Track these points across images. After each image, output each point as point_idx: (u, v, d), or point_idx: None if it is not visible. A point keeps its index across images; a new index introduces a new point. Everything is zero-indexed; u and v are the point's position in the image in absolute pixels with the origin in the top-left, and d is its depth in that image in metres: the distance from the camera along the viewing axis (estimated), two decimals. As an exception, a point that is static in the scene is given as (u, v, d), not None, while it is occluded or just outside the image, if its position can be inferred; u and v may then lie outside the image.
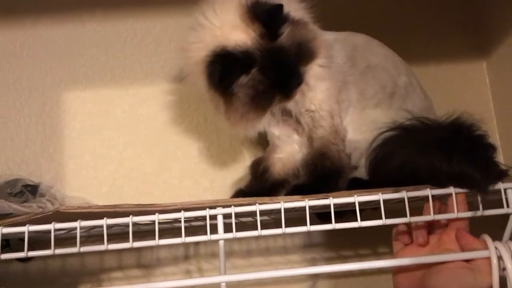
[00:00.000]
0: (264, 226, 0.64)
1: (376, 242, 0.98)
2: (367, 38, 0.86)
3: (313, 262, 0.98)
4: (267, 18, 0.74)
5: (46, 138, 1.00)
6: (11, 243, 0.84)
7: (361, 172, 0.77)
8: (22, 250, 0.61)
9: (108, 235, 0.62)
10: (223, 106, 0.77)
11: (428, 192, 0.65)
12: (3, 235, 0.60)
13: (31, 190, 0.86)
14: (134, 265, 0.97)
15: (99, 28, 1.05)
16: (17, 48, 1.03)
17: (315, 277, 0.97)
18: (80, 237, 0.62)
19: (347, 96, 0.80)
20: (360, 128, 0.79)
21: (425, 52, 1.06)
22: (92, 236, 0.91)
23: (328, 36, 0.82)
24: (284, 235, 0.96)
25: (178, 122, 1.02)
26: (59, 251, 0.61)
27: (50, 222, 0.62)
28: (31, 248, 0.63)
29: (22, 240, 0.64)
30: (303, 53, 0.76)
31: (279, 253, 0.98)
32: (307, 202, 0.63)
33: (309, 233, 0.98)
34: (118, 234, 0.74)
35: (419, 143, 0.69)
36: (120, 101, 1.02)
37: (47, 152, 0.99)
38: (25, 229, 0.60)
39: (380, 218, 0.63)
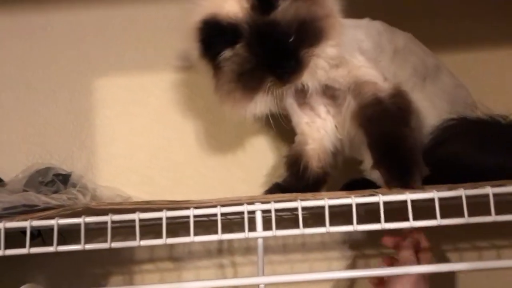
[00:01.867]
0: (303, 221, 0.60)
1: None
2: (385, 24, 0.81)
3: (353, 260, 0.93)
4: None
5: (77, 126, 0.98)
6: (43, 232, 0.82)
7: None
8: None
9: (140, 227, 0.59)
10: (213, 80, 0.72)
11: (488, 190, 0.58)
12: (32, 227, 0.57)
13: (62, 179, 0.84)
14: (166, 258, 0.94)
15: (131, 13, 1.01)
16: (50, 35, 1.01)
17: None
18: (112, 229, 0.59)
19: None
20: None
21: (455, 38, 0.98)
22: (124, 227, 0.88)
23: (348, 22, 0.74)
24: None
25: (212, 109, 0.98)
26: (90, 246, 0.57)
27: (80, 215, 0.59)
28: (62, 238, 0.61)
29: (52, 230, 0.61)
30: (306, 32, 0.66)
31: (317, 249, 0.94)
32: (353, 200, 0.58)
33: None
34: (151, 226, 0.71)
35: (480, 135, 0.63)
36: (153, 88, 0.99)
37: (78, 140, 0.97)
38: (54, 222, 0.57)
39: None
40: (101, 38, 1.00)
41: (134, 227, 0.59)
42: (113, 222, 0.58)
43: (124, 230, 0.81)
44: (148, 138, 0.97)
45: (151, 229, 0.70)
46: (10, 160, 0.96)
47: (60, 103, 0.99)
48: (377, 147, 0.67)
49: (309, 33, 0.66)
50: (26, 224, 0.58)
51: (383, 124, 0.67)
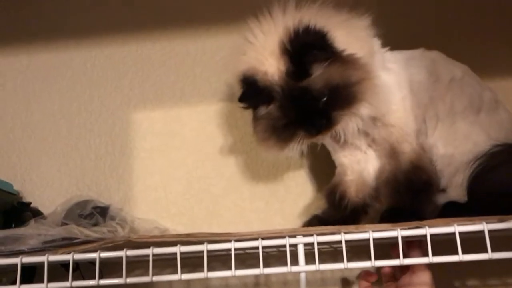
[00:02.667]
0: (340, 252, 0.58)
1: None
2: (441, 54, 0.80)
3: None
4: (296, 55, 0.67)
5: (115, 159, 0.99)
6: (80, 265, 0.83)
7: (455, 195, 0.69)
8: (92, 272, 0.58)
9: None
10: (251, 122, 0.76)
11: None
12: (74, 260, 0.58)
13: (101, 212, 0.84)
14: (201, 289, 0.92)
15: (168, 47, 1.03)
16: (88, 69, 1.04)
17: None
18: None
19: (434, 112, 0.74)
20: (452, 143, 0.72)
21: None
22: (161, 260, 0.88)
23: (401, 56, 0.76)
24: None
25: (247, 141, 0.98)
26: (132, 279, 0.57)
27: (121, 248, 0.59)
28: (100, 271, 0.61)
29: (92, 262, 0.61)
30: (338, 97, 0.68)
31: (356, 284, 0.91)
32: (399, 232, 0.56)
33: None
34: (187, 259, 0.70)
35: None
36: (189, 120, 1.00)
37: (116, 172, 0.98)
38: (96, 255, 0.57)
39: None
40: (139, 72, 1.03)
41: (170, 259, 0.58)
42: (154, 255, 0.57)
43: (160, 263, 0.80)
44: (185, 170, 0.97)
45: (187, 261, 0.69)
46: (49, 193, 0.98)
47: (98, 137, 1.00)
48: (389, 212, 0.70)
49: (341, 97, 0.68)
50: (68, 257, 0.58)
51: (400, 195, 0.70)
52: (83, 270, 0.79)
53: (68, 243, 0.65)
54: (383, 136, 0.74)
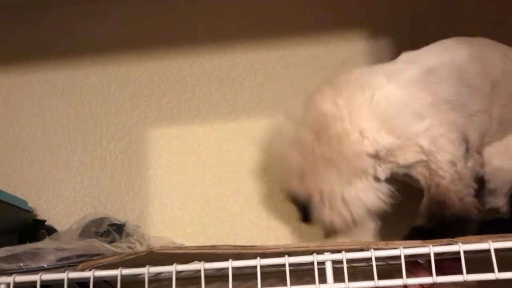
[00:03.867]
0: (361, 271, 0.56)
1: None
2: (464, 47, 0.70)
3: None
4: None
5: (131, 176, 0.98)
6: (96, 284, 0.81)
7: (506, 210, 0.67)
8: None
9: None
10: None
11: None
12: (95, 278, 0.56)
13: (117, 229, 0.83)
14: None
15: (184, 64, 1.03)
16: (104, 86, 1.04)
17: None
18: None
19: (477, 126, 0.67)
20: (506, 154, 0.68)
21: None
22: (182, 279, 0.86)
23: (415, 70, 0.68)
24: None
25: (264, 159, 0.97)
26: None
27: (140, 263, 0.57)
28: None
29: (106, 282, 0.59)
30: None
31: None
32: (431, 249, 0.54)
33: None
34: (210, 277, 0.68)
35: None
36: (206, 137, 0.99)
37: (132, 190, 0.97)
38: (117, 272, 0.55)
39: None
40: (155, 89, 1.02)
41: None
42: (177, 272, 0.56)
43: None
44: (201, 188, 0.96)
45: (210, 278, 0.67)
46: (64, 211, 0.97)
47: (114, 154, 0.99)
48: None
49: None
50: (89, 274, 0.56)
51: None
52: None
53: (82, 261, 0.63)
54: (419, 173, 0.69)
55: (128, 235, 0.81)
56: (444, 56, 0.69)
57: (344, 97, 0.69)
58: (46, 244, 0.61)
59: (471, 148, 0.67)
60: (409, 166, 0.69)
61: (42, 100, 1.04)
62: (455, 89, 0.67)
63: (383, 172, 0.69)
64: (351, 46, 1.00)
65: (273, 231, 0.93)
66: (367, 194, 0.69)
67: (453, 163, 0.65)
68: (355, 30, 1.00)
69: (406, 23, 0.98)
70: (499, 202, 0.70)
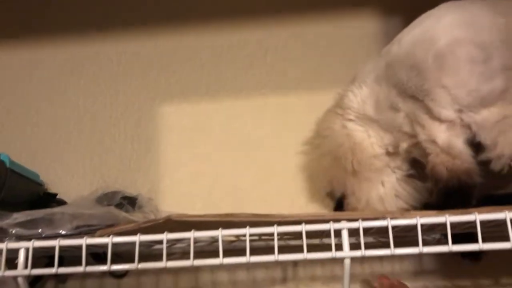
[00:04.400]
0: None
1: (499, 271, 0.87)
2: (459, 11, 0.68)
3: (426, 292, 0.88)
4: None
5: (141, 153, 0.98)
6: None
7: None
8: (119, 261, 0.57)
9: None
10: None
11: None
12: (113, 245, 0.56)
13: (130, 202, 0.84)
14: (228, 283, 0.91)
15: (194, 42, 1.03)
16: (114, 64, 1.03)
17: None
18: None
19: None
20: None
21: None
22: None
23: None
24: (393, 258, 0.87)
25: (274, 136, 0.97)
26: (172, 264, 0.56)
27: (157, 232, 0.58)
28: (122, 261, 0.59)
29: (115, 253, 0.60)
30: None
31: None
32: (447, 218, 0.55)
33: (420, 258, 0.89)
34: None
35: None
36: (216, 114, 0.99)
37: (142, 166, 0.97)
38: (136, 238, 0.56)
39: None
40: (164, 67, 1.02)
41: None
42: (194, 239, 0.56)
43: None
44: (212, 165, 0.96)
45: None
46: (74, 187, 0.97)
47: (124, 131, 1.00)
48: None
49: None
50: (107, 240, 0.56)
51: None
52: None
53: (95, 229, 0.64)
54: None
55: (140, 208, 0.81)
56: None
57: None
58: (64, 209, 0.61)
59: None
60: (409, 152, 0.72)
61: (51, 77, 1.04)
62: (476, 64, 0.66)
63: (401, 166, 0.74)
64: (363, 24, 1.00)
65: (283, 208, 0.93)
66: (392, 193, 0.74)
67: (432, 141, 0.67)
68: (367, 8, 1.00)
69: (418, 1, 0.98)
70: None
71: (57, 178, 0.98)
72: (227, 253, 0.57)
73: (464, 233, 0.60)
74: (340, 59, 1.01)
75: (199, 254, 0.57)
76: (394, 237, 0.54)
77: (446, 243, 0.53)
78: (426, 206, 0.70)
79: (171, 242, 0.57)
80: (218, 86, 1.01)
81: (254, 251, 0.57)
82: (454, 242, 0.54)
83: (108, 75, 1.03)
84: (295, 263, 0.90)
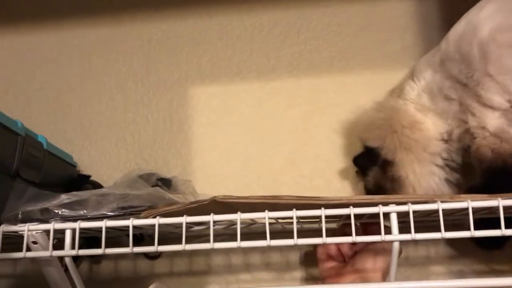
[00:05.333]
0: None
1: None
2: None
3: (461, 275, 0.87)
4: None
5: (173, 134, 0.98)
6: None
7: None
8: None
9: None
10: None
11: None
12: (160, 225, 0.56)
13: (165, 183, 0.84)
14: (263, 268, 0.91)
15: (225, 22, 1.02)
16: (145, 44, 1.03)
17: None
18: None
19: None
20: None
21: None
22: (221, 235, 0.87)
23: None
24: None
25: (307, 118, 0.96)
26: (219, 245, 0.56)
27: (202, 213, 0.58)
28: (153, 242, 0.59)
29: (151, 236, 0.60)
30: None
31: (421, 264, 0.89)
32: (500, 202, 0.54)
33: (456, 242, 0.88)
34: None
35: None
36: (247, 96, 0.98)
37: (174, 148, 0.97)
38: (183, 220, 0.56)
39: None
40: (196, 47, 1.01)
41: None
42: (241, 221, 0.56)
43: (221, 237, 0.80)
44: (243, 147, 0.96)
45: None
46: (107, 167, 0.98)
47: (156, 112, 0.99)
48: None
49: None
50: (154, 221, 0.56)
51: None
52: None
53: (146, 209, 0.64)
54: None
55: (176, 189, 0.81)
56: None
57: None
58: (111, 189, 0.61)
59: None
60: (462, 139, 0.73)
61: (81, 57, 1.04)
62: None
63: (456, 154, 0.74)
64: (396, 5, 0.98)
65: (316, 191, 0.93)
66: (436, 178, 0.75)
67: (482, 127, 0.68)
68: (402, -13, 0.97)
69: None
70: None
71: (90, 159, 0.98)
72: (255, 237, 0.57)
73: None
74: (373, 39, 0.99)
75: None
76: (414, 222, 0.54)
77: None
78: (470, 189, 0.69)
79: (213, 224, 0.56)
80: (250, 66, 1.00)
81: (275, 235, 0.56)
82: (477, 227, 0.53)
83: (139, 55, 1.03)
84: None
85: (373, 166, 0.79)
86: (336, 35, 0.99)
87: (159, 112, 0.99)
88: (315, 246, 0.78)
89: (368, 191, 0.81)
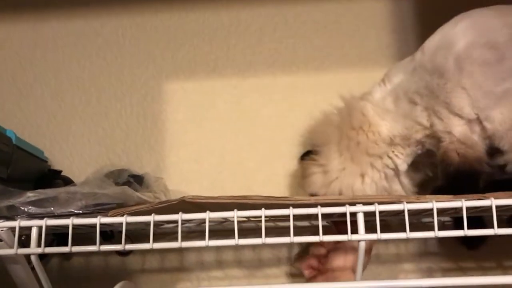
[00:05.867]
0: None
1: (501, 254, 0.88)
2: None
3: (429, 273, 0.89)
4: None
5: (147, 129, 0.97)
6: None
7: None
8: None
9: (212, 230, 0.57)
10: None
11: None
12: (127, 224, 0.56)
13: (137, 180, 0.83)
14: (235, 265, 0.91)
15: (202, 17, 1.01)
16: (120, 38, 1.02)
17: None
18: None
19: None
20: None
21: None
22: (193, 232, 0.87)
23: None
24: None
25: (283, 115, 0.96)
26: (187, 244, 0.55)
27: (171, 212, 0.57)
28: (131, 242, 0.59)
29: (121, 232, 0.59)
30: None
31: (391, 261, 0.90)
32: (463, 203, 0.55)
33: (425, 240, 0.89)
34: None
35: None
36: (223, 92, 0.98)
37: (148, 143, 0.96)
38: (151, 218, 0.56)
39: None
40: (171, 42, 1.00)
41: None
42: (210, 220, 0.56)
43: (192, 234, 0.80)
44: (218, 143, 0.96)
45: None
46: (79, 162, 0.97)
47: (129, 106, 0.98)
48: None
49: None
50: (121, 219, 0.56)
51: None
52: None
53: (100, 209, 0.63)
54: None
55: (148, 186, 0.81)
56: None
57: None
58: (78, 188, 0.60)
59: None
60: (422, 143, 0.74)
61: (55, 51, 1.02)
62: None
63: (404, 158, 0.76)
64: (373, 4, 0.99)
65: (290, 189, 0.94)
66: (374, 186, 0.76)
67: (449, 132, 0.70)
68: (378, -13, 0.98)
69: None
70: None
71: (62, 154, 0.97)
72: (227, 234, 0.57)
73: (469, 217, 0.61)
74: (349, 38, 0.99)
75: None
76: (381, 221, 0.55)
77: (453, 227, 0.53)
78: (435, 190, 0.70)
79: (182, 222, 0.56)
80: (226, 62, 0.99)
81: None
82: (457, 226, 0.54)
83: (113, 49, 1.01)
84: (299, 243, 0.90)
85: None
86: (312, 33, 1.00)
87: (132, 107, 0.98)
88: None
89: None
